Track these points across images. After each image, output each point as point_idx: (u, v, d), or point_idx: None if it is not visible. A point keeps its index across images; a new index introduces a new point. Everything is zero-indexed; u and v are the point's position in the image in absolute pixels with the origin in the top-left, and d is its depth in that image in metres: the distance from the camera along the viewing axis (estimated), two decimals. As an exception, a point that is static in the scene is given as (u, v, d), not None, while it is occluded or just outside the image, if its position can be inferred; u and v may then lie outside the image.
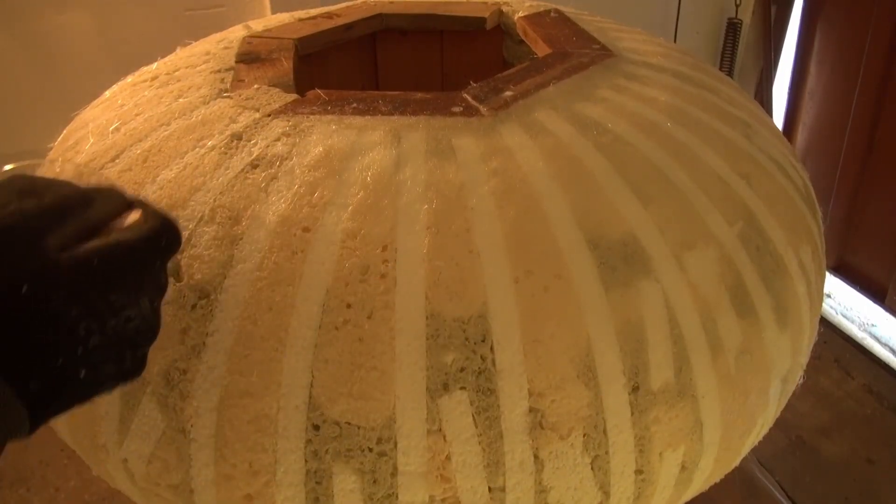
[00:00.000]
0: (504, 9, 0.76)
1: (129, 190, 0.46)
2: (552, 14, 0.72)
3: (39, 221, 0.28)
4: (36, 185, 0.30)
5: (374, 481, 0.39)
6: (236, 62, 0.58)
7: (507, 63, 0.80)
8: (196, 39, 0.67)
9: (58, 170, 0.35)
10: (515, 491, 0.40)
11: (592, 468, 0.41)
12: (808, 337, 0.53)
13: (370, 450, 0.39)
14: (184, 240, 0.42)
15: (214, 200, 0.43)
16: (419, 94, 0.51)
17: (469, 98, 0.51)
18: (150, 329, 0.31)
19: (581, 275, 0.41)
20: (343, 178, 0.44)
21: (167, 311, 0.41)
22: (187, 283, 0.41)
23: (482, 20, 0.75)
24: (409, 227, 0.41)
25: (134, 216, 0.31)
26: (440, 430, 0.39)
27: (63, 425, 0.46)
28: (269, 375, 0.39)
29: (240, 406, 0.39)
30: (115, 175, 0.47)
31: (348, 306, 0.39)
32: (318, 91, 0.52)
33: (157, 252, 0.31)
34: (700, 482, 0.48)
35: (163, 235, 0.31)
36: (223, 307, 0.40)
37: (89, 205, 0.30)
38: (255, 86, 0.53)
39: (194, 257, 0.42)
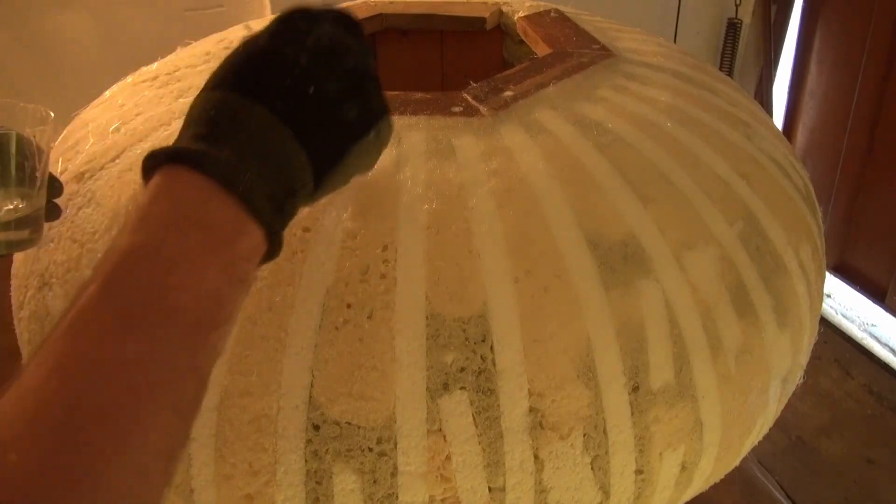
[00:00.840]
0: (504, 9, 0.76)
1: (130, 191, 0.46)
2: (552, 14, 0.72)
3: None
4: None
5: (374, 481, 0.39)
6: (236, 62, 0.58)
7: (507, 63, 0.80)
8: (196, 39, 0.67)
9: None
10: (515, 491, 0.40)
11: (592, 468, 0.41)
12: (808, 337, 0.53)
13: (370, 450, 0.39)
14: None
15: (214, 200, 0.43)
16: (419, 94, 0.51)
17: (469, 98, 0.51)
18: (341, 45, 0.34)
19: (581, 275, 0.41)
20: (343, 178, 0.44)
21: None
22: (187, 283, 0.41)
23: (482, 20, 0.74)
24: (409, 227, 0.41)
25: None
26: (440, 430, 0.39)
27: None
28: (269, 375, 0.39)
29: (240, 406, 0.39)
30: (115, 175, 0.47)
31: (348, 306, 0.39)
32: (318, 91, 0.52)
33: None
34: (700, 482, 0.48)
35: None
36: (223, 307, 0.40)
37: None
38: (255, 86, 0.53)
39: (194, 257, 0.42)
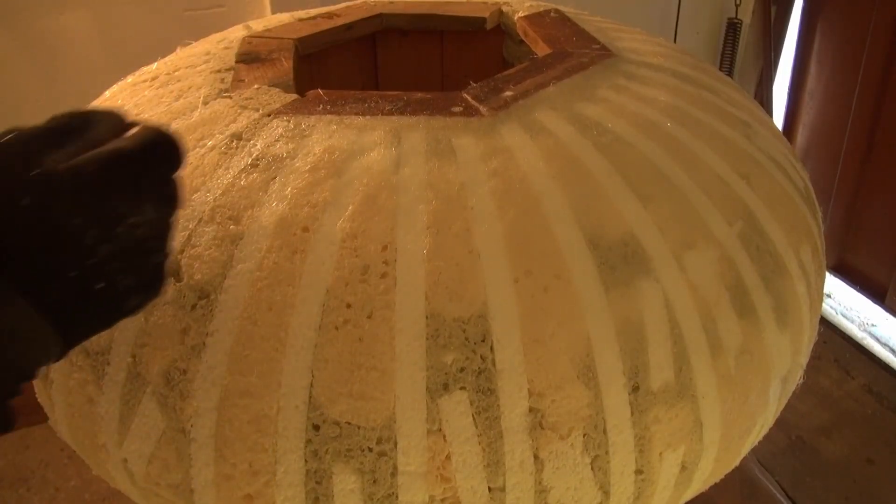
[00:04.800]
0: (504, 9, 0.76)
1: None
2: (552, 14, 0.72)
3: (38, 141, 0.28)
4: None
5: (374, 481, 0.39)
6: (236, 62, 0.58)
7: (507, 63, 0.80)
8: (196, 39, 0.67)
9: None
10: (515, 491, 0.40)
11: (592, 468, 0.41)
12: (808, 337, 0.53)
13: (370, 450, 0.39)
14: (183, 239, 0.42)
15: (214, 200, 0.43)
16: (419, 94, 0.51)
17: (469, 98, 0.51)
18: (160, 236, 0.32)
19: (581, 275, 0.41)
20: (343, 178, 0.44)
21: (167, 311, 0.41)
22: (187, 283, 0.41)
23: (482, 20, 0.75)
24: (409, 227, 0.41)
25: (132, 131, 0.32)
26: (440, 430, 0.39)
27: (63, 425, 0.46)
28: (269, 375, 0.39)
29: (240, 406, 0.39)
30: (115, 175, 0.47)
31: (348, 306, 0.39)
32: (319, 91, 0.52)
33: (154, 159, 0.31)
34: (700, 482, 0.48)
35: (158, 144, 0.31)
36: (223, 307, 0.40)
37: (89, 126, 0.30)
38: (255, 86, 0.53)
39: (194, 257, 0.42)
